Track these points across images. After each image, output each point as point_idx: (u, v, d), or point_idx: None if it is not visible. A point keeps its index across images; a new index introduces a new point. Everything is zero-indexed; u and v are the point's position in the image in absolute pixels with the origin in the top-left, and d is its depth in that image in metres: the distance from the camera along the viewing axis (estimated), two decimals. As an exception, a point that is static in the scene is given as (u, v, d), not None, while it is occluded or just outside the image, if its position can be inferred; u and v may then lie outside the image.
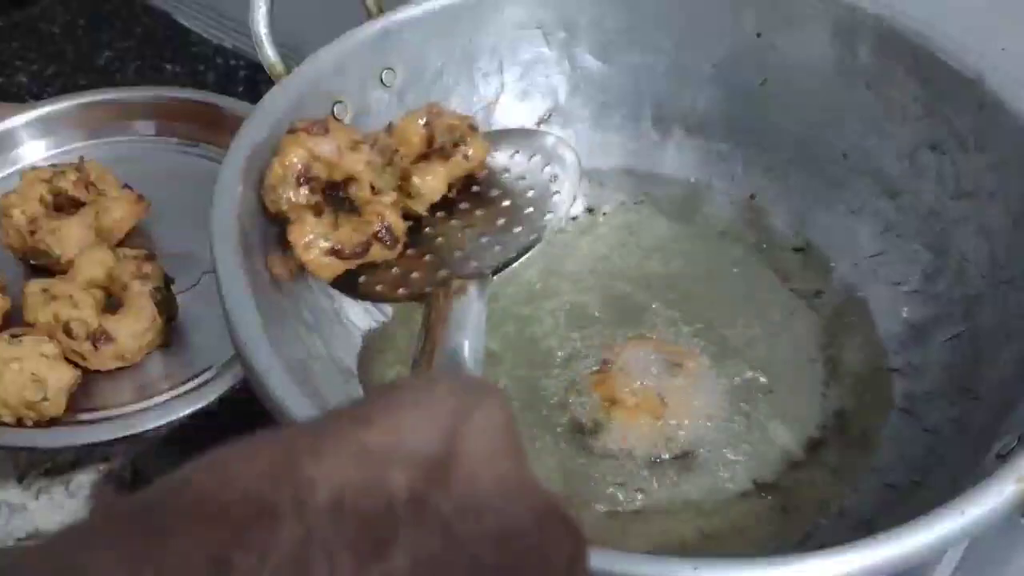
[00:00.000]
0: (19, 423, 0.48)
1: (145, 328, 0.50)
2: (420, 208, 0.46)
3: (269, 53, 0.49)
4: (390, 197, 0.44)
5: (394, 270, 0.44)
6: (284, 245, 0.43)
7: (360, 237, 0.42)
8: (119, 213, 0.56)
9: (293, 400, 0.35)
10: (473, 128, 0.47)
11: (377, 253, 0.43)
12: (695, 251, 0.55)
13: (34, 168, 0.58)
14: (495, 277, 0.43)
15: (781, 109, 0.55)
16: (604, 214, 0.57)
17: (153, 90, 0.67)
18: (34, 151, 0.64)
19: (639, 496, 0.44)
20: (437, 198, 0.46)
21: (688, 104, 0.57)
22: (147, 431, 0.48)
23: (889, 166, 0.51)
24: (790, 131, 0.55)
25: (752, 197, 0.56)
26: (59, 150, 0.65)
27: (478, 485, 0.22)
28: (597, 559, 0.31)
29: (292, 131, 0.42)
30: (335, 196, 0.43)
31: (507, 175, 0.47)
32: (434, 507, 0.22)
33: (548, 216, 0.45)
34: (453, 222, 0.46)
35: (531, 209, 0.45)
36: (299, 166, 0.41)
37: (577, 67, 0.57)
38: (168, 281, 0.53)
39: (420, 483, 0.22)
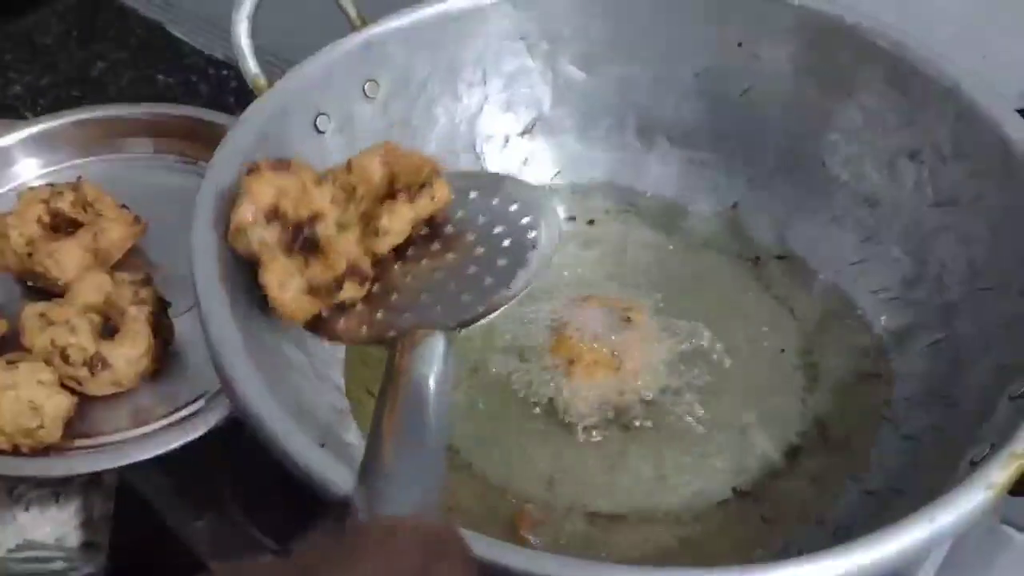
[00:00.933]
0: (14, 449, 0.47)
1: (141, 354, 0.50)
2: (383, 248, 0.44)
3: (251, 65, 0.49)
4: (354, 233, 0.43)
5: (358, 308, 0.43)
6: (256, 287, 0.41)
7: (332, 274, 0.41)
8: (116, 235, 0.56)
9: (269, 411, 0.35)
10: (436, 171, 0.46)
11: (348, 291, 0.42)
12: (678, 259, 0.56)
13: (31, 188, 0.58)
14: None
15: (763, 119, 0.55)
16: (588, 223, 0.57)
17: (149, 107, 0.66)
18: (29, 169, 0.64)
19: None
20: (402, 239, 0.44)
21: (671, 114, 0.57)
22: (141, 461, 0.48)
23: (869, 175, 0.52)
24: (772, 140, 0.55)
25: (735, 206, 0.57)
26: (54, 168, 0.64)
27: None
28: (571, 570, 0.31)
29: (254, 170, 0.41)
30: (298, 236, 0.41)
31: (483, 220, 0.45)
32: None
33: (520, 272, 0.42)
34: (423, 263, 0.44)
35: (504, 261, 0.42)
36: (268, 204, 0.41)
37: (561, 78, 0.57)
38: (164, 305, 0.53)
39: None
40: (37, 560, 0.50)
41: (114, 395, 0.51)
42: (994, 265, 0.46)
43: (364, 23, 0.51)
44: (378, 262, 0.44)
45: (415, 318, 0.41)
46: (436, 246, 0.44)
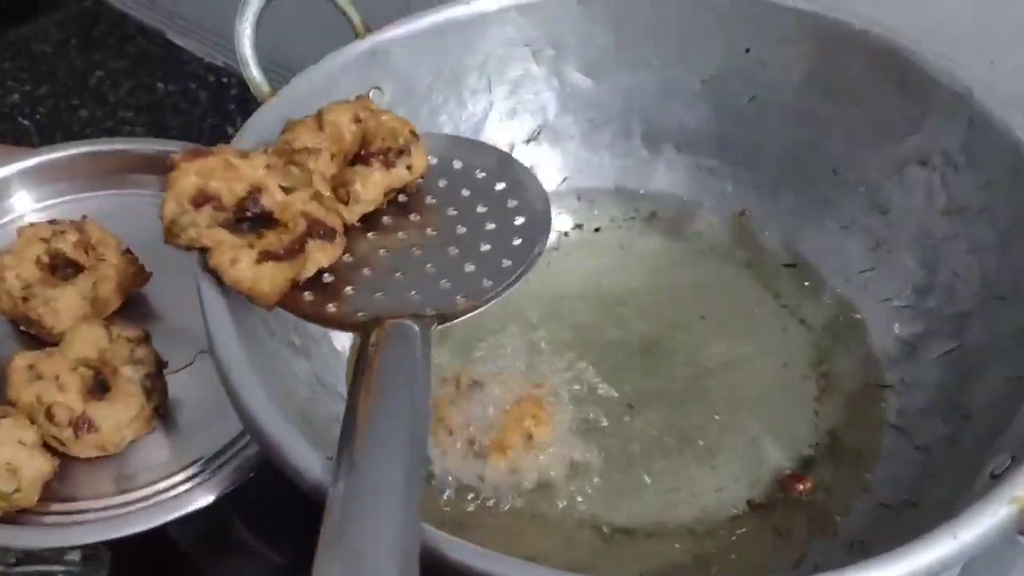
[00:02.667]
0: None
1: (131, 418, 0.47)
2: (353, 217, 0.41)
3: (254, 73, 0.49)
4: (307, 192, 0.39)
5: (326, 279, 0.39)
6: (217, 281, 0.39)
7: (290, 236, 0.37)
8: (118, 283, 0.53)
9: (268, 417, 0.35)
10: (415, 135, 0.42)
11: (315, 252, 0.38)
12: (685, 268, 0.55)
13: (32, 225, 0.54)
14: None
15: (770, 126, 0.55)
16: (595, 231, 0.57)
17: (157, 143, 0.62)
18: (26, 202, 0.60)
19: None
20: (372, 208, 0.41)
21: (678, 121, 0.57)
22: (124, 536, 0.45)
23: (879, 182, 0.51)
24: (779, 147, 0.55)
25: (742, 213, 0.56)
26: (55, 201, 0.60)
27: None
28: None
29: (170, 164, 0.39)
30: (243, 214, 0.38)
31: (466, 194, 0.41)
32: None
33: (506, 264, 0.38)
34: (398, 235, 0.40)
35: (488, 247, 0.39)
36: (191, 191, 0.38)
37: (566, 85, 0.56)
38: (161, 366, 0.49)
39: None
40: (39, 574, 0.49)
41: (98, 458, 0.47)
42: (1007, 274, 0.45)
43: (368, 30, 0.51)
44: (347, 232, 0.40)
45: (388, 301, 0.37)
46: (414, 217, 0.41)
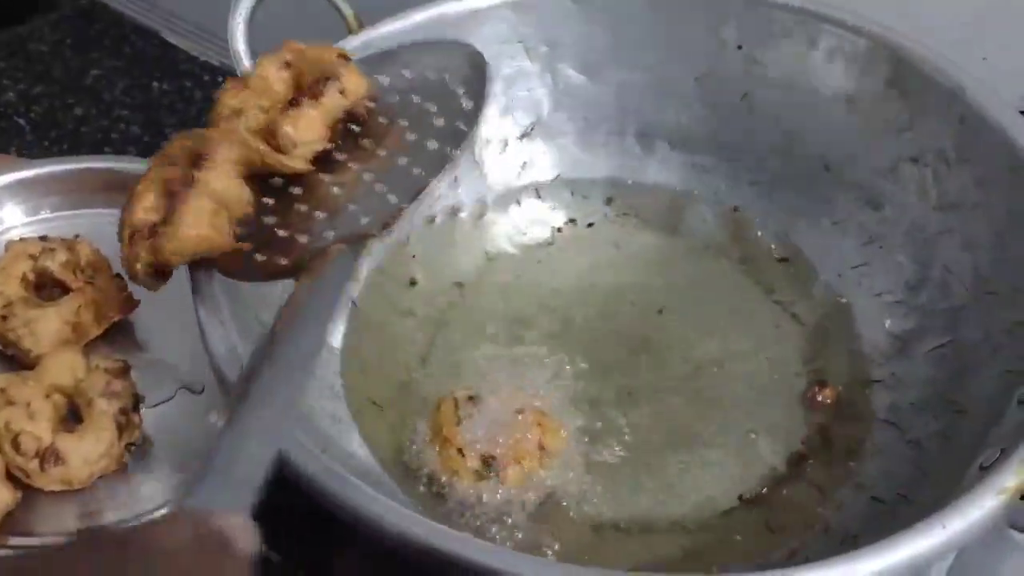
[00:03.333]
0: None
1: (100, 454, 0.45)
2: (299, 164, 0.38)
3: (248, 68, 0.49)
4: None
5: (280, 234, 0.37)
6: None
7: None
8: (103, 311, 0.51)
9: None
10: (344, 57, 0.40)
11: (274, 161, 0.37)
12: (679, 264, 0.55)
13: (22, 240, 0.52)
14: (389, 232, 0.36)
15: (764, 122, 0.55)
16: (588, 226, 0.57)
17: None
18: (15, 215, 0.58)
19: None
20: (319, 147, 0.38)
21: (671, 118, 0.57)
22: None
23: (871, 179, 0.51)
24: (773, 144, 0.55)
25: (735, 210, 0.56)
26: (44, 216, 0.59)
27: None
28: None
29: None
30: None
31: (416, 100, 0.39)
32: None
33: (455, 152, 0.37)
34: (352, 167, 0.38)
35: (435, 144, 0.37)
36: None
37: (560, 81, 0.57)
38: (137, 401, 0.47)
39: None
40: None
41: (63, 492, 0.45)
42: (999, 269, 0.45)
43: (361, 26, 0.51)
44: (299, 179, 0.38)
45: (336, 233, 0.36)
46: (367, 143, 0.39)
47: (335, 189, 0.38)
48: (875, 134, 0.51)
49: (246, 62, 0.49)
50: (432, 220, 0.55)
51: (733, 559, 0.43)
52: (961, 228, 0.47)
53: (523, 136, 0.57)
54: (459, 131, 0.38)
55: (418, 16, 0.52)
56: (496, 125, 0.56)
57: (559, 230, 0.57)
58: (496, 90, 0.55)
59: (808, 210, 0.54)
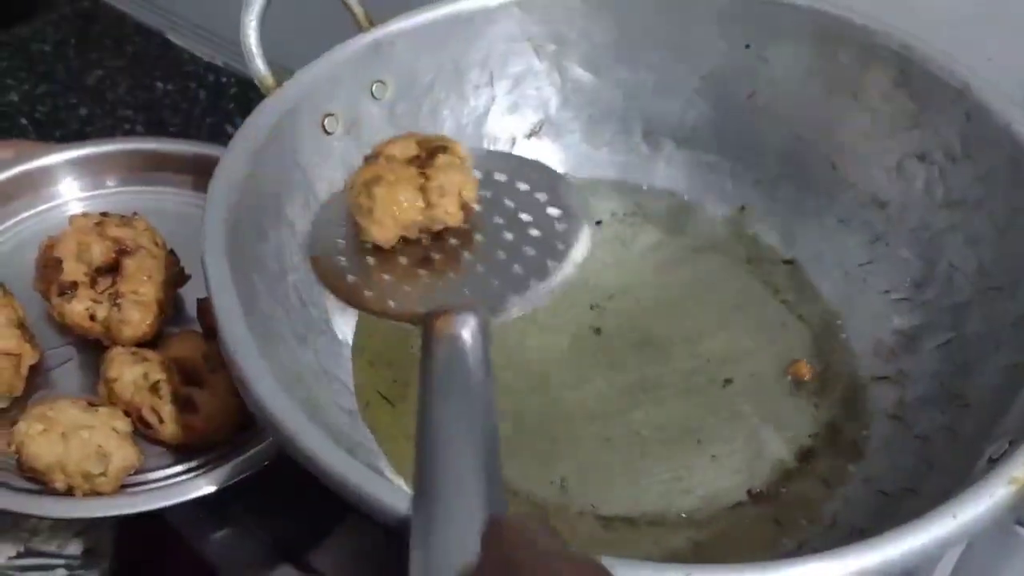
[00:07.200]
0: (68, 491, 0.45)
1: (225, 412, 0.48)
2: (455, 214, 0.40)
3: (259, 65, 0.49)
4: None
5: (386, 277, 0.40)
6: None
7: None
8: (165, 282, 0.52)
9: (279, 403, 0.35)
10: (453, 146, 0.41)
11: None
12: (685, 263, 0.55)
13: (85, 214, 0.54)
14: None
15: (770, 121, 0.55)
16: (596, 224, 0.57)
17: (193, 145, 0.62)
18: (72, 189, 0.61)
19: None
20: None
21: (678, 117, 0.57)
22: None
23: (877, 176, 0.52)
24: (779, 143, 0.55)
25: (742, 209, 0.56)
26: (95, 193, 0.61)
27: None
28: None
29: None
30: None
31: (510, 204, 0.41)
32: None
33: (551, 265, 0.39)
34: (450, 241, 0.40)
35: (534, 252, 0.39)
36: None
37: (568, 80, 0.57)
38: None
39: None
40: (39, 568, 0.49)
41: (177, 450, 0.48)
42: (1004, 265, 0.46)
43: (372, 24, 0.51)
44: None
45: (444, 298, 0.38)
46: (464, 226, 0.41)
47: (435, 255, 0.40)
48: (881, 132, 0.51)
49: (258, 59, 0.49)
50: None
51: (741, 552, 0.43)
52: (966, 224, 0.48)
53: (531, 134, 0.57)
54: (557, 250, 0.40)
55: (429, 14, 0.52)
56: (504, 123, 0.57)
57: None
58: (504, 88, 0.56)
59: (814, 208, 0.54)
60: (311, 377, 0.44)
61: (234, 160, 0.44)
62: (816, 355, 0.51)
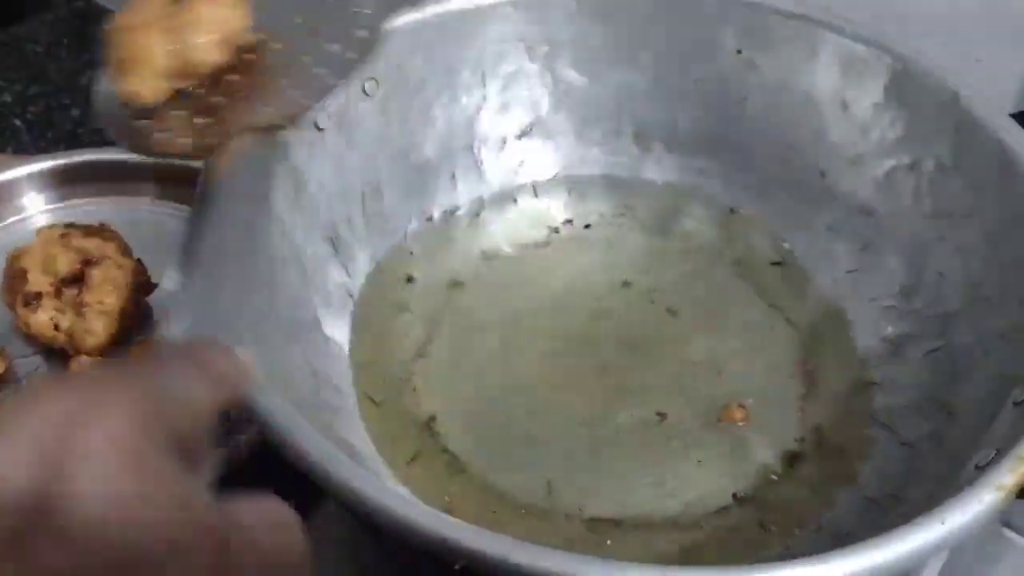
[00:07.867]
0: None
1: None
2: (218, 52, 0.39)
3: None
4: None
5: (181, 114, 0.38)
6: None
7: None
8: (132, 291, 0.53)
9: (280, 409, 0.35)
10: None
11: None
12: (674, 266, 0.55)
13: (51, 225, 0.54)
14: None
15: (760, 127, 0.55)
16: (585, 227, 0.57)
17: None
18: (37, 203, 0.61)
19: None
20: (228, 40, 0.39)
21: (669, 121, 0.57)
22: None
23: (867, 184, 0.52)
24: (769, 149, 0.55)
25: (731, 212, 0.56)
26: (59, 205, 0.62)
27: (88, 524, 0.20)
28: (570, 565, 0.31)
29: None
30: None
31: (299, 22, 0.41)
32: (35, 551, 0.19)
33: (350, 56, 0.39)
34: (231, 77, 0.39)
35: (337, 47, 0.39)
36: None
37: (559, 81, 0.57)
38: None
39: (19, 527, 0.19)
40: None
41: None
42: (992, 275, 0.46)
43: (364, 23, 0.51)
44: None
45: (243, 120, 0.37)
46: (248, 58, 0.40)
47: (240, 83, 0.39)
48: (871, 140, 0.51)
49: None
50: (430, 218, 0.55)
51: (726, 556, 0.43)
52: (954, 234, 0.48)
53: (522, 135, 0.57)
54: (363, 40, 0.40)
55: (423, 12, 0.52)
56: (495, 123, 0.57)
57: (556, 230, 0.57)
58: (495, 88, 0.56)
59: (803, 214, 0.54)
60: (300, 374, 0.43)
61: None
62: (803, 359, 0.50)
